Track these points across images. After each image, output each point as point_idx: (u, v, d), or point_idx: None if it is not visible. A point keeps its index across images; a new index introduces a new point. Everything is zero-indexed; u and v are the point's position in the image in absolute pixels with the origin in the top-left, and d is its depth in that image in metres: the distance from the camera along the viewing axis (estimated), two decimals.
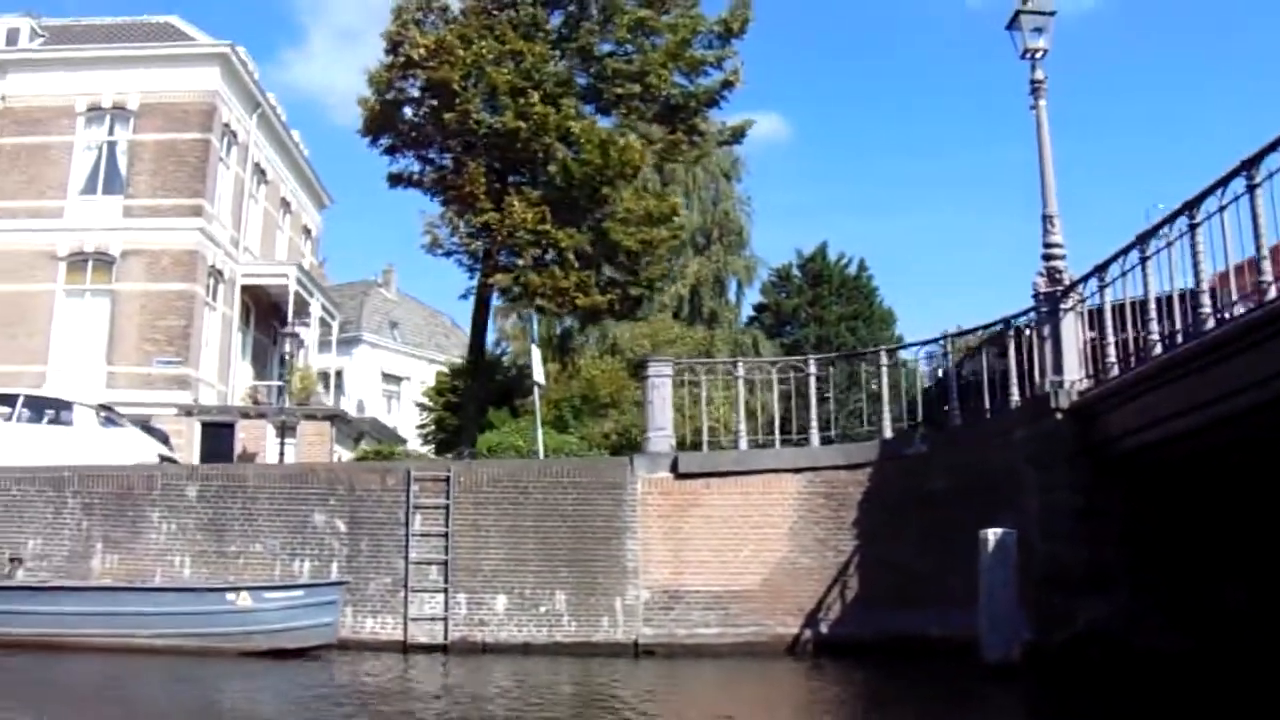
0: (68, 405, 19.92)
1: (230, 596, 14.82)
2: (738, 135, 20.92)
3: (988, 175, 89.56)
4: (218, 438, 26.59)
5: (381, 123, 20.65)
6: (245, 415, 27.38)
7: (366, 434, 31.35)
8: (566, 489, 16.55)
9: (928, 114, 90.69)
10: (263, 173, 33.14)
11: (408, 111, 20.70)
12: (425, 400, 33.55)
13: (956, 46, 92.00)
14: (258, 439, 26.72)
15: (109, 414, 20.22)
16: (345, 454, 28.26)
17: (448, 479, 16.51)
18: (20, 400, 19.79)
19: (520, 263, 19.10)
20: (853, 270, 47.65)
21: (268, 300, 32.32)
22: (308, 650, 14.67)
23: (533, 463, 18.58)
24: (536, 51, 19.22)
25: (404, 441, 32.05)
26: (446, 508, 16.29)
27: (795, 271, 47.82)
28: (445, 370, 38.92)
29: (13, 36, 30.93)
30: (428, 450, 29.16)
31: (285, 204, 35.87)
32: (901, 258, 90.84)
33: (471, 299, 21.79)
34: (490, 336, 49.18)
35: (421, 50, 18.76)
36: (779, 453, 17.10)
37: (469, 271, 21.52)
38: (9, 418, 19.51)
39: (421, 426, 32.54)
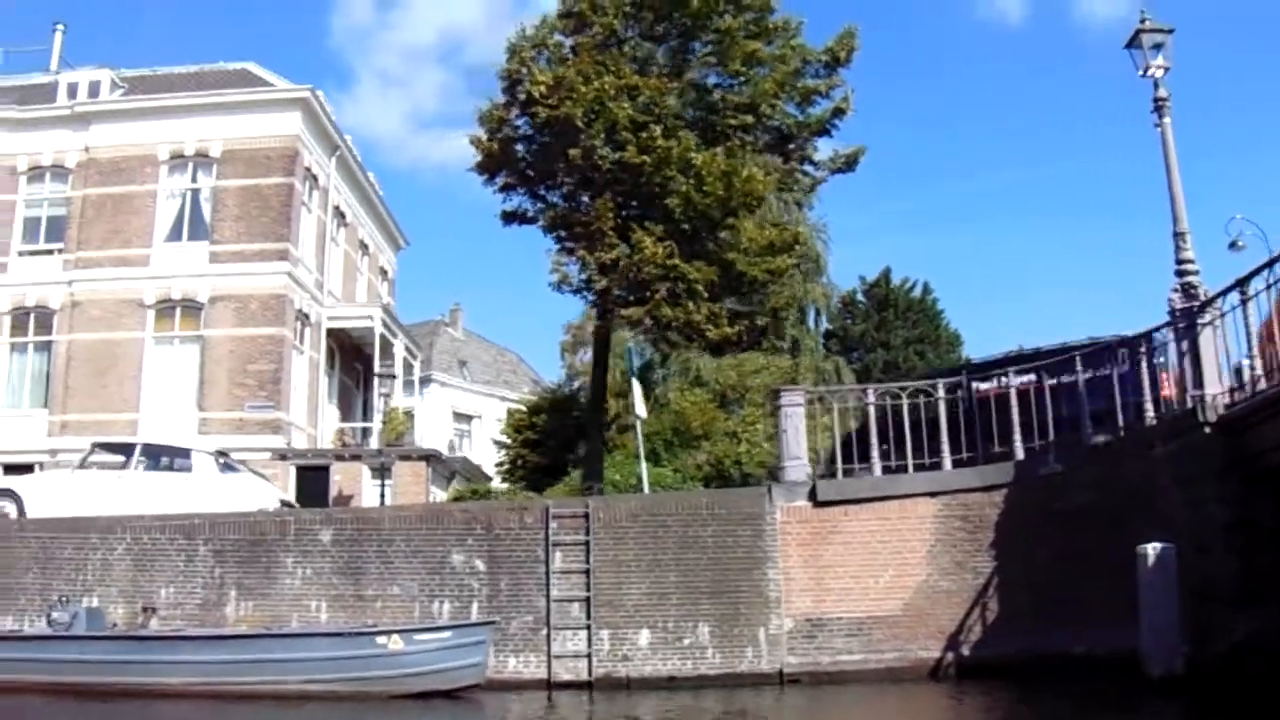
0: (185, 452, 19.88)
1: (381, 640, 14.70)
2: (851, 163, 20.75)
3: (1044, 190, 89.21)
4: (313, 481, 26.59)
5: (494, 161, 20.64)
6: (339, 458, 27.37)
7: (457, 473, 31.24)
8: (706, 521, 16.39)
9: (983, 131, 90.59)
10: (342, 215, 33.30)
11: (518, 148, 20.65)
12: (503, 438, 33.55)
13: (1002, 61, 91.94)
14: (353, 481, 26.71)
15: (226, 460, 20.16)
16: (439, 494, 28.18)
17: (587, 515, 16.36)
18: (138, 449, 19.75)
19: (655, 296, 18.93)
20: (917, 293, 47.39)
21: (350, 342, 32.41)
22: (457, 691, 14.58)
23: (670, 496, 18.57)
24: (653, 85, 19.16)
25: (489, 479, 31.89)
26: (587, 543, 16.14)
27: (860, 297, 47.61)
28: (521, 407, 38.93)
29: (94, 89, 31.26)
30: (509, 487, 29.02)
31: (364, 246, 36.03)
32: (960, 276, 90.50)
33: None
34: (559, 373, 49.65)
35: (542, 88, 18.71)
36: (913, 477, 16.85)
37: (596, 308, 21.47)
38: (127, 466, 19.45)
39: (500, 464, 32.51)
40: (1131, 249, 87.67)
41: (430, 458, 28.24)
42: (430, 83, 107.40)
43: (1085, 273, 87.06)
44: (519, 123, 20.45)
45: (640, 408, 21.55)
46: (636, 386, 21.82)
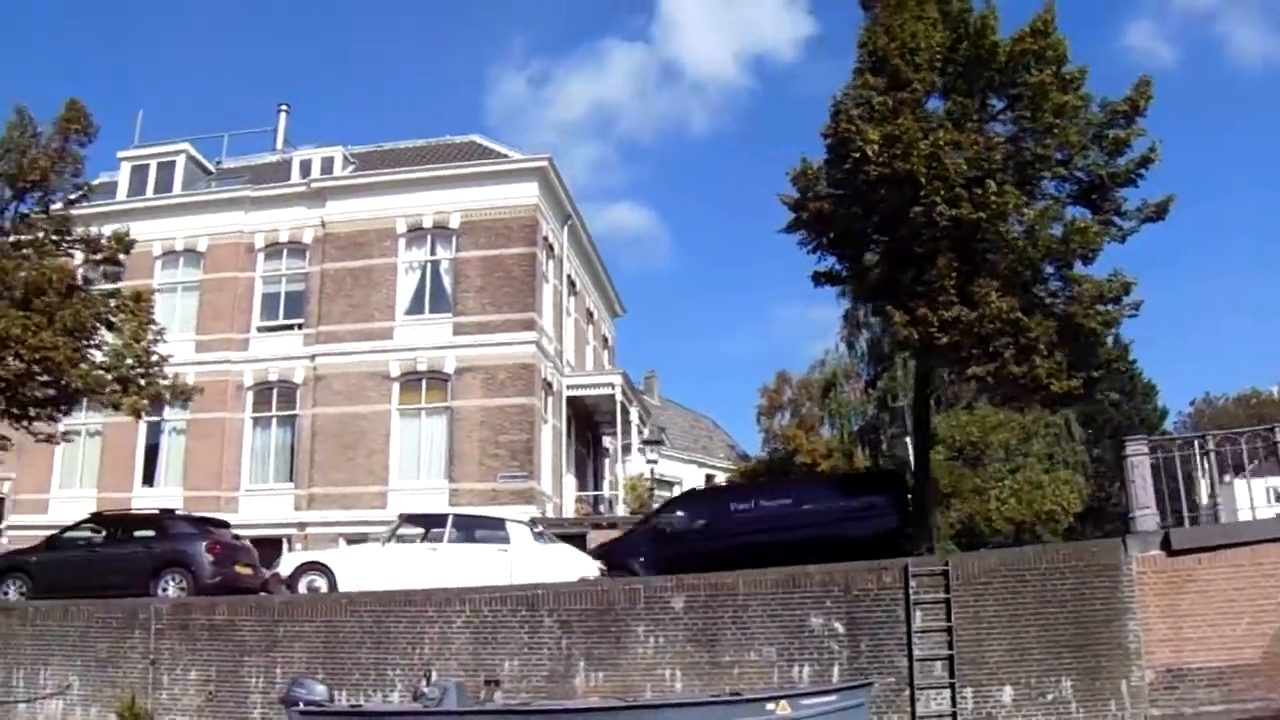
0: (499, 523, 19.42)
1: (770, 706, 14.03)
2: (1161, 212, 19.82)
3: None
4: None
5: (805, 221, 20.28)
6: (596, 526, 26.74)
7: None
8: (1063, 574, 15.81)
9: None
10: (573, 284, 33.16)
11: (827, 208, 20.21)
12: None
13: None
14: None
15: (540, 530, 19.64)
16: None
17: (946, 572, 15.87)
18: (450, 520, 19.34)
19: (1006, 352, 18.24)
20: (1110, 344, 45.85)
21: (584, 410, 32.04)
22: None
23: (1028, 550, 18.29)
24: (981, 140, 18.68)
25: None
26: (947, 601, 15.63)
27: None
28: (737, 471, 38.32)
29: (327, 165, 31.72)
30: None
31: (589, 314, 35.84)
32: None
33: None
34: (756, 437, 49.21)
35: (875, 145, 18.25)
36: (1266, 522, 16.54)
37: (945, 367, 20.93)
38: (441, 539, 19.02)
39: None
40: None
41: None
42: (583, 157, 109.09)
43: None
44: (826, 182, 20.13)
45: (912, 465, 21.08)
46: (909, 446, 21.50)
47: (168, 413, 28.65)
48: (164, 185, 32.01)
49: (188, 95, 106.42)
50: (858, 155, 18.66)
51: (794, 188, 20.43)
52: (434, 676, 15.35)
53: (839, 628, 15.85)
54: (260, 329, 30.58)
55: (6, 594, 20.16)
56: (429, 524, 19.61)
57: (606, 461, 35.95)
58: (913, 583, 15.78)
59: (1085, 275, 19.27)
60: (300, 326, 30.17)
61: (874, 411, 39.45)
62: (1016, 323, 18.17)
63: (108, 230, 22.53)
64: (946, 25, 20.00)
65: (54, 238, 22.21)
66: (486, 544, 18.96)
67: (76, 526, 21.62)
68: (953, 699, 15.27)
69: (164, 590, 19.26)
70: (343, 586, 18.61)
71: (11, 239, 22.19)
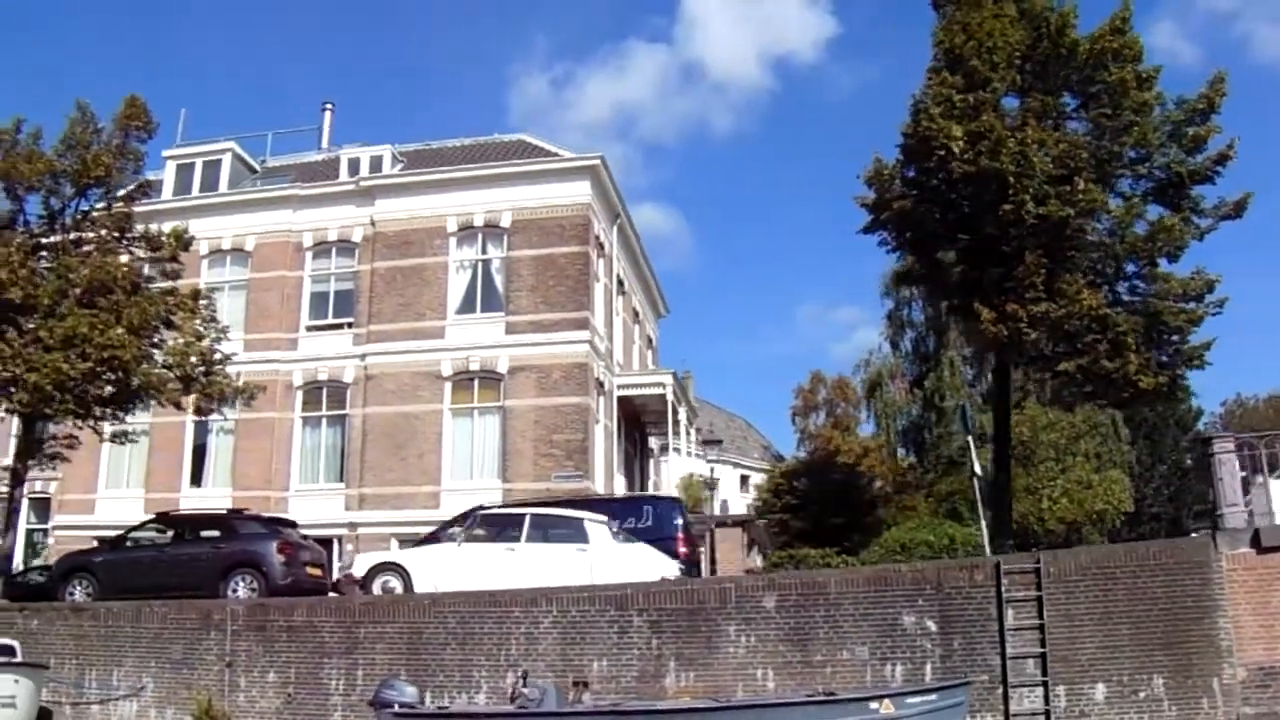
0: (577, 522, 19.11)
1: (874, 705, 13.80)
2: (1239, 209, 19.68)
3: None
4: None
5: (882, 221, 20.16)
6: None
7: (754, 539, 30.33)
8: (1153, 572, 15.65)
9: None
10: (621, 283, 32.87)
11: (904, 206, 20.10)
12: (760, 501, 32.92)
13: None
14: None
15: (619, 529, 19.37)
16: (757, 560, 27.32)
17: (1037, 570, 15.69)
18: (527, 519, 19.02)
19: (1098, 347, 18.11)
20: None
21: (631, 409, 31.77)
22: None
23: (1118, 548, 18.15)
24: (1067, 138, 18.59)
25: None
26: (1039, 599, 15.46)
27: None
28: (777, 470, 38.15)
29: (376, 164, 31.53)
30: (789, 553, 28.11)
31: (636, 314, 35.57)
32: None
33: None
34: (791, 437, 49.11)
35: (960, 143, 18.10)
36: None
37: (1031, 364, 20.76)
38: (518, 538, 18.71)
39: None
40: None
41: (746, 523, 27.33)
42: (606, 158, 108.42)
43: None
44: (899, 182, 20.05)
45: (977, 466, 21.14)
46: (971, 444, 21.55)
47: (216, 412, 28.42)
48: (210, 184, 31.82)
49: (209, 95, 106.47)
50: (942, 153, 18.51)
51: (868, 188, 20.30)
52: (524, 678, 15.06)
53: (931, 626, 15.67)
54: (309, 328, 30.37)
55: (73, 594, 19.98)
56: (505, 523, 19.29)
57: (652, 462, 35.71)
58: (1004, 580, 15.62)
59: (1168, 273, 19.19)
60: (350, 325, 29.95)
61: (919, 411, 39.26)
62: (1105, 319, 18.09)
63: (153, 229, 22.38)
64: (1024, 23, 19.90)
65: (115, 235, 22.03)
66: (565, 543, 18.65)
67: (142, 527, 21.43)
68: (1046, 697, 15.12)
69: (234, 591, 19.07)
70: (419, 587, 18.33)
71: (72, 236, 22.01)
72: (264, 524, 20.53)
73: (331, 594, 20.04)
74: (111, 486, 30.29)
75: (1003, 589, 15.56)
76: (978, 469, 21.01)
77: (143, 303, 20.94)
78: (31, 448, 22.02)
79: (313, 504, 28.32)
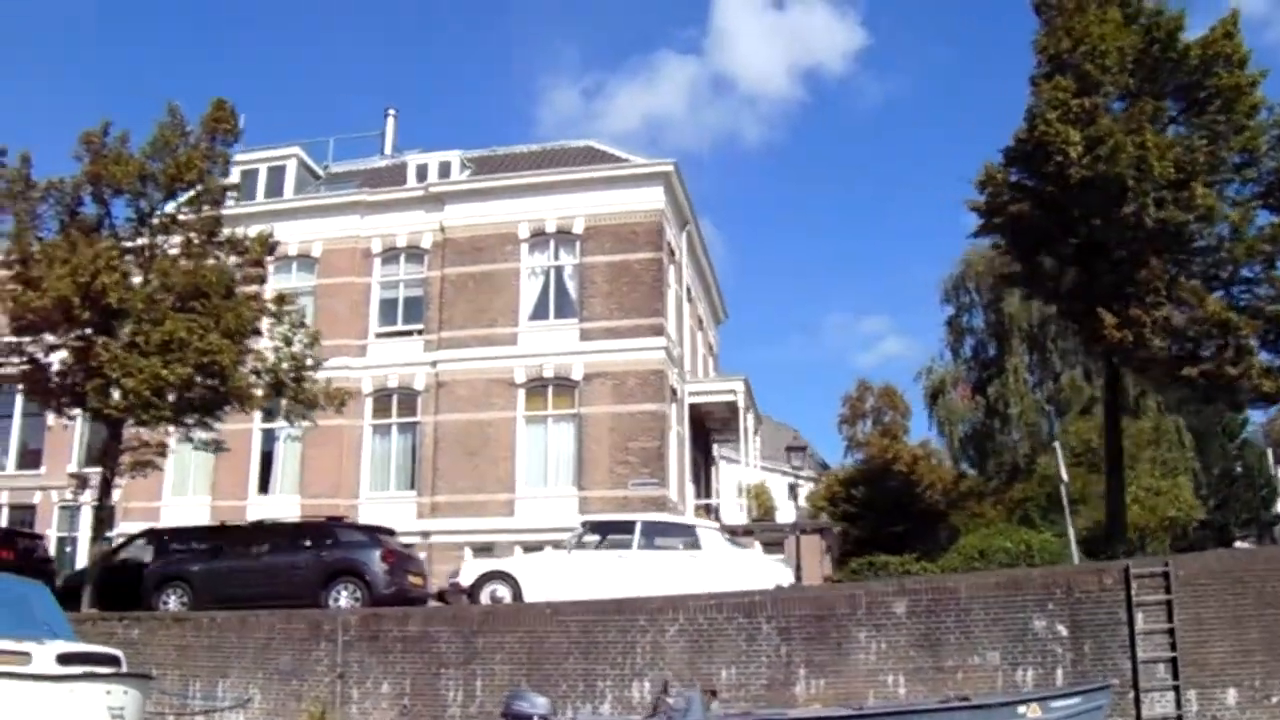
0: (690, 529, 18.88)
1: (1021, 709, 13.67)
2: None
3: None
4: None
5: (993, 226, 19.98)
6: (733, 533, 26.15)
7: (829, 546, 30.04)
8: None
9: None
10: (688, 290, 32.59)
11: (1021, 210, 19.89)
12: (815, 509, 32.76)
13: None
14: None
15: (731, 535, 19.10)
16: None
17: (1166, 574, 15.53)
18: (638, 526, 18.75)
19: (1223, 352, 17.94)
20: None
21: (697, 416, 31.49)
22: None
23: (1245, 552, 18.58)
24: (1182, 142, 18.43)
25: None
26: (1168, 603, 15.30)
27: None
28: (835, 478, 37.90)
29: (444, 170, 31.30)
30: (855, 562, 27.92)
31: (700, 321, 35.28)
32: None
33: None
34: (839, 446, 48.70)
35: (1078, 148, 17.89)
36: None
37: (1149, 369, 20.54)
38: (629, 545, 18.44)
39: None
40: None
41: (823, 530, 27.05)
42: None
43: None
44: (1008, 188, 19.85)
45: (1064, 471, 21.09)
46: (1059, 451, 21.67)
47: (284, 420, 28.15)
48: (274, 189, 31.61)
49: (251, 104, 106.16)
50: (1060, 158, 18.29)
51: (979, 193, 20.12)
52: (667, 688, 14.83)
53: (1062, 630, 15.50)
54: (379, 335, 30.10)
55: (166, 603, 19.68)
56: (614, 530, 19.02)
57: (714, 469, 35.42)
58: (1134, 584, 15.46)
59: None
60: (420, 332, 29.69)
61: (981, 418, 38.97)
62: (1227, 323, 17.86)
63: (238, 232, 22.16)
64: (1132, 28, 19.73)
65: (204, 239, 21.76)
66: (677, 550, 18.40)
67: (234, 534, 21.13)
68: (1177, 701, 14.99)
69: (335, 601, 18.84)
70: (528, 596, 18.06)
71: (159, 240, 21.73)
72: (364, 531, 20.26)
73: (433, 603, 19.78)
74: (177, 494, 30.06)
75: (1132, 593, 15.38)
76: (1064, 474, 20.97)
77: (238, 307, 20.66)
78: (116, 454, 21.66)
79: (384, 511, 27.96)
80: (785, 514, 37.38)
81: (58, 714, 12.61)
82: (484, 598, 18.39)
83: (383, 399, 29.52)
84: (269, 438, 29.59)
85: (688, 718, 14.07)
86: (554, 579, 18.16)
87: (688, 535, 18.67)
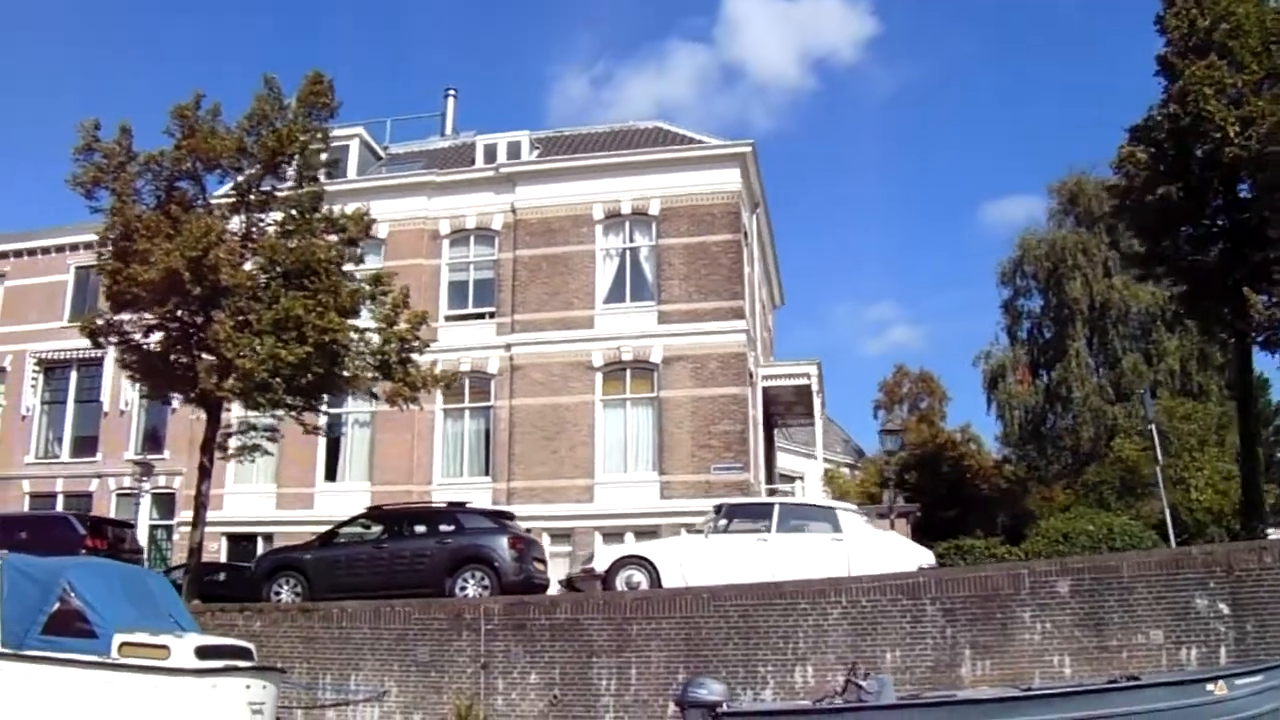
0: (830, 512, 18.53)
1: (1209, 687, 13.36)
2: None
3: None
4: None
5: (1135, 205, 19.77)
6: None
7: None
8: None
9: None
10: (757, 273, 32.23)
11: (1169, 191, 19.68)
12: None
13: None
14: None
15: (869, 519, 18.81)
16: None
17: None
18: (776, 509, 18.43)
19: None
20: None
21: (765, 400, 31.16)
22: None
23: None
24: None
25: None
26: None
27: None
28: (891, 462, 37.70)
29: (513, 150, 30.80)
30: None
31: (763, 304, 34.95)
32: None
33: None
34: (874, 430, 48.54)
35: (1235, 125, 17.69)
36: None
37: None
38: (767, 529, 18.09)
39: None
40: None
41: (907, 515, 26.85)
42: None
43: None
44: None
45: (1160, 453, 21.34)
46: (1155, 433, 21.68)
47: (350, 404, 27.62)
48: (337, 170, 30.86)
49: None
50: (1219, 136, 18.08)
51: (1114, 173, 19.93)
52: (858, 670, 14.46)
53: (1224, 609, 15.23)
54: (448, 318, 29.54)
55: (279, 594, 19.13)
56: (751, 514, 18.68)
57: (777, 454, 35.19)
58: None
59: None
60: (492, 315, 29.18)
61: (1041, 402, 38.85)
62: None
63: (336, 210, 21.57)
64: (1266, 6, 19.53)
65: (305, 215, 21.09)
66: (818, 534, 18.08)
67: (351, 522, 20.61)
68: None
69: (462, 589, 18.32)
70: (666, 581, 17.68)
71: (258, 216, 21.10)
72: (490, 517, 19.81)
73: (554, 590, 19.42)
74: (240, 481, 29.34)
75: None
76: (1160, 456, 20.92)
77: (351, 285, 20.13)
78: (214, 440, 21.04)
79: (458, 497, 27.21)
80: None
81: (199, 710, 12.09)
82: (619, 584, 17.97)
83: (455, 383, 28.91)
84: (335, 424, 28.89)
85: (880, 700, 13.86)
86: (693, 564, 17.81)
87: (828, 519, 18.32)
